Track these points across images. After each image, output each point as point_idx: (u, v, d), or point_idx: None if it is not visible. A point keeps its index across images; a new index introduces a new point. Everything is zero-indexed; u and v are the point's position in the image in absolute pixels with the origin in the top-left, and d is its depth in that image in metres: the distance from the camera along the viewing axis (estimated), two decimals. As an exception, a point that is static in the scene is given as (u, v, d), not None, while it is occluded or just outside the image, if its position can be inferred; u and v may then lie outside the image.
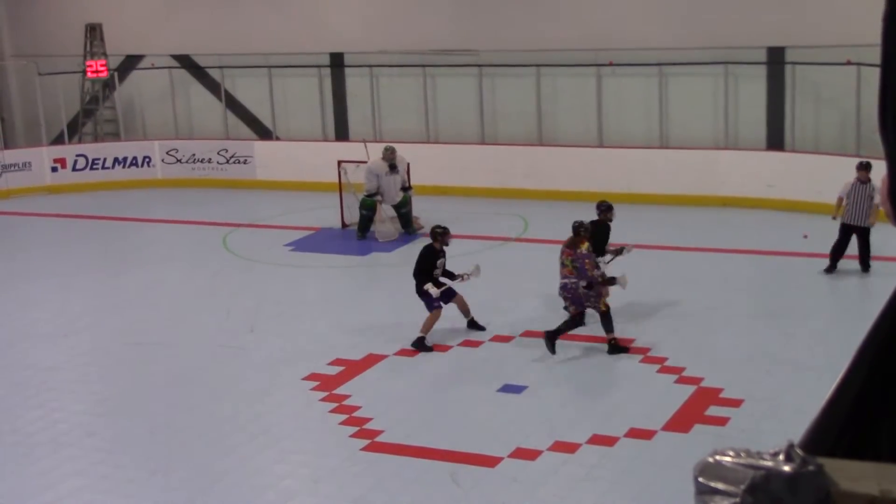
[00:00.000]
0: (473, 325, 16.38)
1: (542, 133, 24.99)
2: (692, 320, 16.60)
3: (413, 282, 15.98)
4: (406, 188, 21.83)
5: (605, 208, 16.75)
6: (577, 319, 15.20)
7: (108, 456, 13.00)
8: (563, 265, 15.23)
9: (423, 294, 15.88)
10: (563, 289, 15.28)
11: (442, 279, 16.03)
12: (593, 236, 15.61)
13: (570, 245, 15.20)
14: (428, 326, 15.77)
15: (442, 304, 15.92)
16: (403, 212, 21.79)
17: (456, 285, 16.13)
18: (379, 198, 21.60)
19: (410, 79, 26.57)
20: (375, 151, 22.23)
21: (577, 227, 15.24)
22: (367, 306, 17.94)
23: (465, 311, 16.32)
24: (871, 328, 2.00)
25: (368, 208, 21.72)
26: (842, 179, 19.86)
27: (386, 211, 21.69)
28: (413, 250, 19.91)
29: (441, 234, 16.01)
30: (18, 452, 13.05)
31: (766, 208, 22.24)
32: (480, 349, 15.71)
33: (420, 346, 15.67)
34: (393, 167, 21.71)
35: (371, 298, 18.37)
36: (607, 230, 16.74)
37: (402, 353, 15.64)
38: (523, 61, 25.12)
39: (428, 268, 15.93)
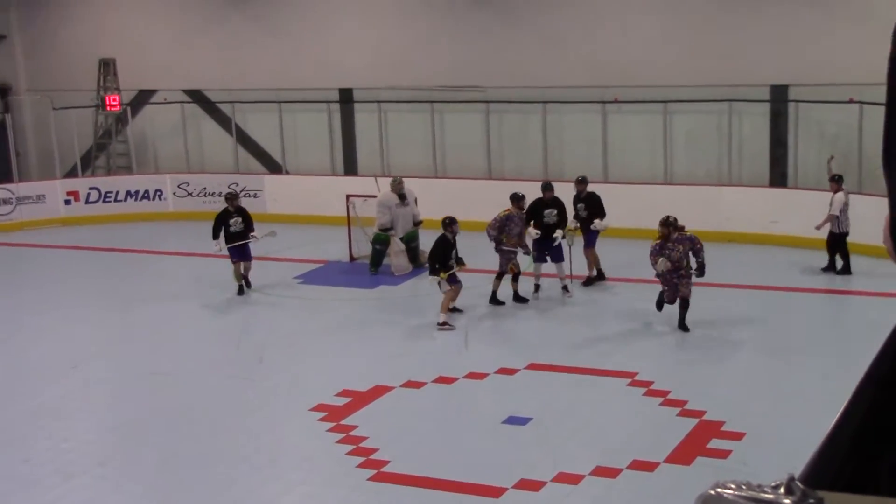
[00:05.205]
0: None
1: (548, 169, 25.01)
2: (695, 354, 16.58)
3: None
4: (417, 222, 21.80)
5: (448, 222, 18.53)
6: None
7: (117, 486, 12.99)
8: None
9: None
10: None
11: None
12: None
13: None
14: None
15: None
16: (413, 246, 21.79)
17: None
18: (392, 231, 21.58)
19: (418, 114, 26.63)
20: (386, 186, 22.24)
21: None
22: (375, 338, 17.94)
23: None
24: (872, 364, 2.00)
25: (382, 242, 21.70)
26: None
27: (397, 244, 21.66)
28: (421, 283, 19.94)
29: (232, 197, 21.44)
30: (29, 481, 13.04)
31: (769, 244, 22.22)
32: (486, 381, 15.69)
33: None
34: (402, 197, 21.69)
35: (378, 331, 18.36)
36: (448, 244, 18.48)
37: (409, 384, 15.62)
38: (529, 98, 25.18)
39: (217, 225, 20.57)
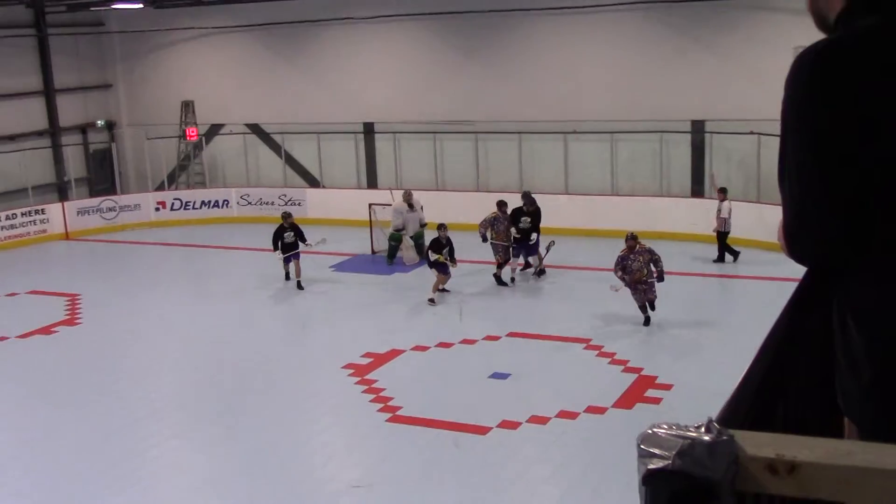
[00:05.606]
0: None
1: (523, 183, 24.96)
2: (636, 325, 16.56)
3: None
4: (423, 224, 21.77)
5: (439, 227, 18.47)
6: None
7: (194, 420, 12.98)
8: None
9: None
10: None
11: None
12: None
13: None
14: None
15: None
16: (419, 242, 21.74)
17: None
18: (404, 231, 21.56)
19: (424, 142, 26.60)
20: (399, 197, 22.22)
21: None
22: (391, 313, 17.93)
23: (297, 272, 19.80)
24: (771, 330, 2.01)
25: (396, 240, 21.65)
26: (745, 220, 19.98)
27: (408, 241, 21.62)
28: (424, 272, 19.96)
29: (287, 216, 20.24)
30: (141, 414, 13.05)
31: (691, 241, 22.21)
32: (476, 345, 15.69)
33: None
34: (411, 205, 21.66)
35: (393, 307, 18.35)
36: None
37: (417, 348, 15.62)
38: (509, 129, 25.16)
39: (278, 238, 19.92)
